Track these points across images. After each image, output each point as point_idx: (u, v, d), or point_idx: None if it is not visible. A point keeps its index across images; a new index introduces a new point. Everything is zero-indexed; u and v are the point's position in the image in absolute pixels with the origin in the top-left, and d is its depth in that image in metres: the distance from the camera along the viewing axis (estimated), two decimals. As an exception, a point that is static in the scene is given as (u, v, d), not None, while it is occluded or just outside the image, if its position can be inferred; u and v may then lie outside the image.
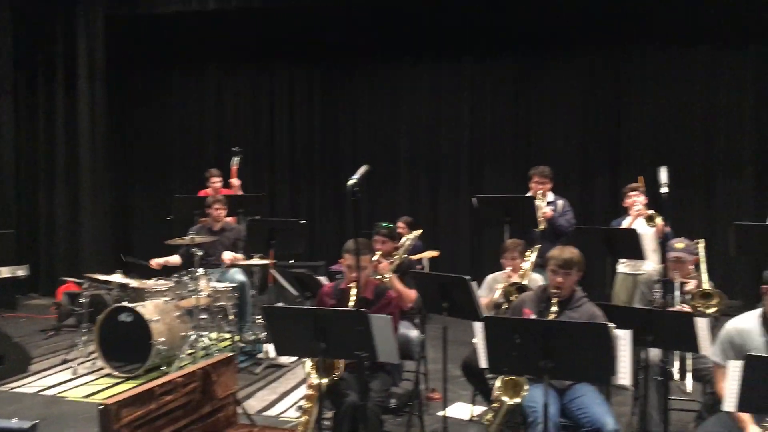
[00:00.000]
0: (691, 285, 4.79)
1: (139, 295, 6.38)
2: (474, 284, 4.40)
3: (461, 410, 5.14)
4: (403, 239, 5.50)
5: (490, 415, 3.86)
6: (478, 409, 4.80)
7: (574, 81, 9.45)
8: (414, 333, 4.67)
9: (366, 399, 3.59)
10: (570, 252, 3.89)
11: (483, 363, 3.31)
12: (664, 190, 3.26)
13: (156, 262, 6.88)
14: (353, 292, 4.05)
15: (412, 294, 5.01)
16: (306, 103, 10.46)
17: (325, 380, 3.77)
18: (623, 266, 6.43)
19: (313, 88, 10.44)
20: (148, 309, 5.99)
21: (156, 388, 3.75)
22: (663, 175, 3.43)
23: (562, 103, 9.50)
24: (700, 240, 5.09)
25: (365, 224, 7.57)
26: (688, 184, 8.95)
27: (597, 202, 9.32)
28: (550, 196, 6.55)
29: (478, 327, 3.23)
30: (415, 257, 7.61)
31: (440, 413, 4.73)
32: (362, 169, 3.62)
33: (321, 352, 3.46)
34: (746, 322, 3.55)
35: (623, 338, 3.12)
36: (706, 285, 4.73)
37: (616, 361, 3.09)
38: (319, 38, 9.85)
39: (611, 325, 3.04)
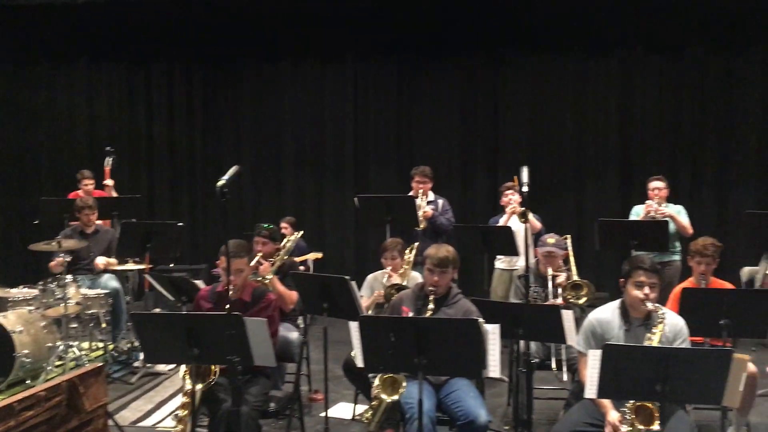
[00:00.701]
0: (561, 278, 5.04)
1: (1, 304, 5.96)
2: (354, 284, 4.41)
3: (344, 410, 5.15)
4: (285, 240, 5.44)
5: (369, 414, 3.89)
6: (361, 408, 4.82)
7: (453, 83, 9.67)
8: (294, 335, 4.63)
9: (240, 404, 3.51)
10: (446, 251, 3.98)
11: (359, 362, 3.31)
12: (524, 189, 3.40)
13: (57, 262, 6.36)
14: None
15: (293, 295, 4.97)
16: (186, 101, 10.13)
17: (199, 386, 3.66)
18: (500, 262, 6.68)
19: (194, 85, 10.13)
20: (9, 319, 5.60)
21: (15, 404, 3.53)
22: (524, 174, 3.56)
23: (442, 104, 9.70)
24: (567, 235, 5.36)
25: (248, 225, 7.43)
26: (560, 184, 9.41)
27: (477, 201, 9.61)
28: (431, 196, 6.69)
29: (354, 327, 3.23)
30: (298, 259, 7.58)
31: (322, 414, 4.72)
32: (232, 170, 3.55)
33: (194, 358, 3.35)
34: (606, 313, 3.76)
35: (492, 332, 3.22)
36: (576, 277, 4.99)
37: (487, 354, 3.18)
38: (199, 35, 9.58)
39: (481, 320, 3.14)
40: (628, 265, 3.70)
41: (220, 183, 3.43)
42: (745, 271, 6.75)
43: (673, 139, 9.23)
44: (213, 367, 3.77)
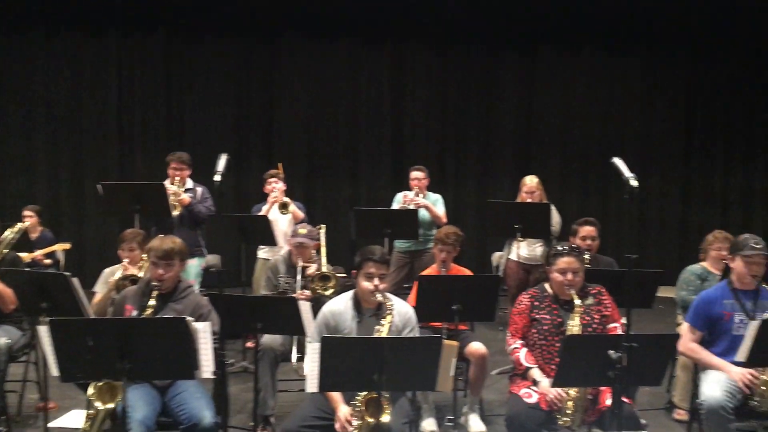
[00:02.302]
0: (312, 269, 4.98)
1: None
2: (76, 281, 3.99)
3: (75, 418, 4.68)
4: (6, 232, 4.81)
5: (86, 424, 3.52)
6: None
7: (229, 66, 9.33)
8: (2, 340, 4.09)
9: None
10: (171, 242, 3.71)
11: (53, 371, 2.96)
12: (217, 177, 3.22)
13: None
14: None
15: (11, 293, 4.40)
16: None
17: None
18: (262, 252, 6.52)
19: None
20: None
21: None
22: (221, 163, 3.34)
23: (214, 86, 9.32)
24: (321, 225, 5.32)
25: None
26: (334, 171, 9.47)
27: (252, 188, 9.36)
28: (189, 183, 6.33)
29: (43, 331, 2.87)
30: (44, 251, 6.85)
31: (53, 424, 4.26)
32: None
33: None
34: (339, 305, 3.72)
35: (203, 331, 3.03)
36: (325, 268, 4.95)
37: (198, 354, 2.99)
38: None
39: (189, 318, 2.93)
40: (359, 256, 3.69)
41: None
42: (495, 256, 7.22)
43: (441, 130, 9.68)
44: None
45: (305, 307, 3.93)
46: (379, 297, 3.59)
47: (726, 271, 4.12)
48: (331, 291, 4.79)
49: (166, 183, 6.08)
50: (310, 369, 3.09)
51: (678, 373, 4.90)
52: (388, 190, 9.29)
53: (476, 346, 4.55)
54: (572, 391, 3.46)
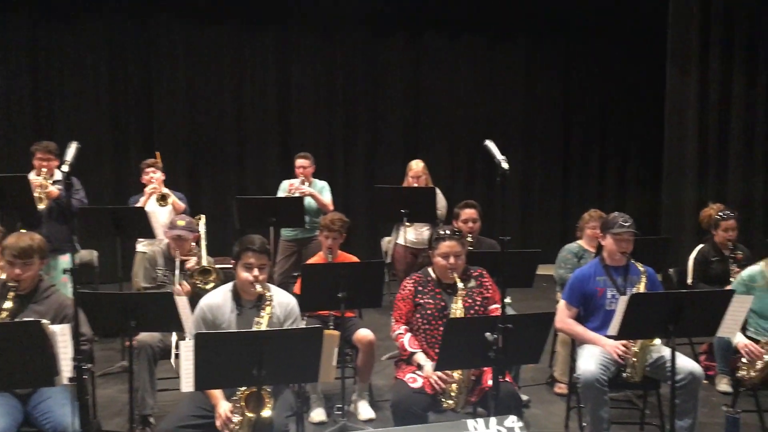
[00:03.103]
0: (191, 262, 4.77)
1: None
2: None
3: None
4: None
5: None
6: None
7: (99, 48, 8.80)
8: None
9: None
10: (29, 239, 3.44)
11: None
12: (64, 168, 3.01)
13: None
14: None
15: None
16: None
17: None
18: (141, 245, 6.21)
19: None
20: None
21: None
22: (70, 152, 3.10)
23: (86, 71, 8.77)
24: (200, 216, 5.11)
25: None
26: (210, 160, 9.16)
27: (132, 179, 8.91)
28: (58, 174, 5.92)
29: None
30: None
31: None
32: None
33: None
34: (218, 298, 3.56)
35: (61, 333, 2.81)
36: (205, 261, 4.76)
37: (58, 359, 2.77)
38: None
39: (45, 321, 2.71)
40: (237, 246, 3.55)
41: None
42: (384, 241, 7.24)
43: (329, 117, 9.57)
44: None
45: (182, 302, 3.75)
46: (258, 288, 3.46)
47: (599, 249, 4.28)
48: (212, 285, 4.61)
49: (31, 175, 5.66)
50: (185, 367, 2.94)
51: (558, 349, 5.08)
52: (277, 178, 9.11)
53: (363, 333, 4.52)
54: (456, 374, 3.48)
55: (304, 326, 3.68)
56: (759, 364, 3.94)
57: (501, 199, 2.76)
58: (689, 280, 5.48)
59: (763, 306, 4.04)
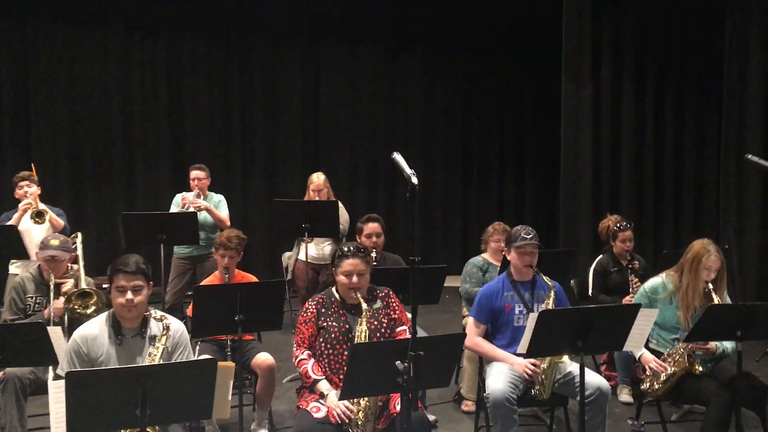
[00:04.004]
0: (68, 285, 4.33)
1: None
2: None
3: None
4: None
5: None
6: None
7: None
8: None
9: None
10: None
11: None
12: None
13: None
14: None
15: None
16: None
17: None
18: (14, 267, 5.63)
19: None
20: None
21: None
22: None
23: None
24: (76, 233, 4.67)
25: None
26: (95, 174, 8.58)
27: (7, 194, 8.20)
28: None
29: None
30: None
31: None
32: None
33: None
34: (93, 328, 3.18)
35: None
36: (83, 283, 4.32)
37: None
38: None
39: None
40: (110, 269, 3.19)
41: None
42: (285, 257, 6.94)
43: (225, 128, 9.17)
44: None
45: (55, 333, 3.35)
46: (133, 313, 3.13)
47: (504, 263, 4.20)
48: (93, 309, 4.19)
49: None
50: (55, 411, 2.57)
51: (464, 365, 4.97)
52: (172, 191, 8.63)
53: (263, 358, 4.24)
54: (362, 401, 3.27)
55: (193, 357, 3.36)
56: (663, 377, 3.96)
57: (411, 214, 2.58)
58: (590, 291, 5.53)
59: (665, 318, 4.07)
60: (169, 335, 3.19)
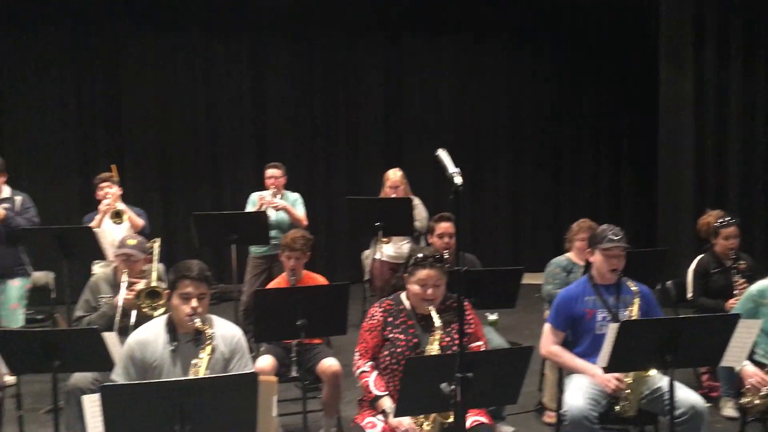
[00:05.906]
0: (141, 285, 4.31)
1: None
2: None
3: None
4: None
5: None
6: None
7: (59, 55, 8.35)
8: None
9: None
10: None
11: None
12: None
13: None
14: None
15: None
16: None
17: None
18: (97, 266, 5.72)
19: None
20: None
21: None
22: None
23: (45, 80, 8.31)
24: (156, 239, 4.65)
25: None
26: (194, 174, 8.71)
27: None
28: (6, 191, 5.48)
29: None
30: None
31: None
32: None
33: None
34: (149, 332, 3.11)
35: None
36: (155, 283, 4.29)
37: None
38: None
39: None
40: (173, 274, 3.10)
41: None
42: (364, 255, 6.76)
43: (308, 126, 9.11)
44: None
45: (111, 338, 3.30)
46: (197, 322, 3.01)
47: (588, 264, 3.84)
48: (161, 311, 4.15)
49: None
50: (92, 426, 2.48)
51: (546, 372, 4.62)
52: (257, 191, 8.69)
53: (328, 363, 4.07)
54: (425, 424, 3.01)
55: (251, 365, 3.23)
56: (764, 391, 3.50)
57: (456, 215, 2.31)
58: (689, 295, 5.03)
59: (774, 326, 3.59)
60: (217, 342, 3.06)
